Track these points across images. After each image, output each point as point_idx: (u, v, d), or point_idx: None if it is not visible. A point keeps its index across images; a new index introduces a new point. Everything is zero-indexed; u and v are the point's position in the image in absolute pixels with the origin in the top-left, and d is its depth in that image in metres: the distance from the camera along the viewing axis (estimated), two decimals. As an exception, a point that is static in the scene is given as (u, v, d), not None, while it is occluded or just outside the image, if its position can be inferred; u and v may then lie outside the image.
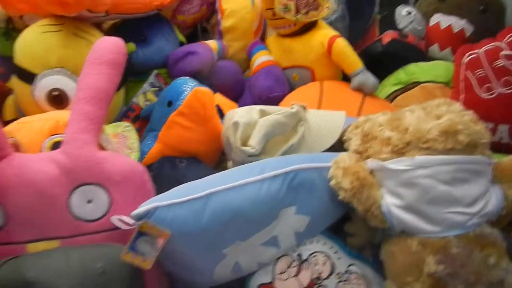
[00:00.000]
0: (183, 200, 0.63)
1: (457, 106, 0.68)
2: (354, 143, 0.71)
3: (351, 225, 0.76)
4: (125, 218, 0.63)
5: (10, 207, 0.62)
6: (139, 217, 0.62)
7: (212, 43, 1.10)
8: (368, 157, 0.68)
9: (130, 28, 1.04)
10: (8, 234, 0.63)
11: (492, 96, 0.87)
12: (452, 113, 0.65)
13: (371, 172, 0.67)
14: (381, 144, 0.66)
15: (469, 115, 0.66)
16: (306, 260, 0.70)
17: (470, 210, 0.61)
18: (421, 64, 1.05)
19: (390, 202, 0.64)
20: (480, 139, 0.63)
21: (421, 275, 0.61)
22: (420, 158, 0.62)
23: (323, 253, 0.71)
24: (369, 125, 0.70)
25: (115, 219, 0.64)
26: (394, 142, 0.64)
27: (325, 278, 0.69)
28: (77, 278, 0.56)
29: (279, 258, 0.70)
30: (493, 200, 0.63)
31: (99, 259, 0.59)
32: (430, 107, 0.68)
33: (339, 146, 0.77)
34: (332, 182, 0.67)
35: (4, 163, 0.64)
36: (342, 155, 0.70)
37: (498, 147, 0.85)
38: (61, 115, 0.78)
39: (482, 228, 0.62)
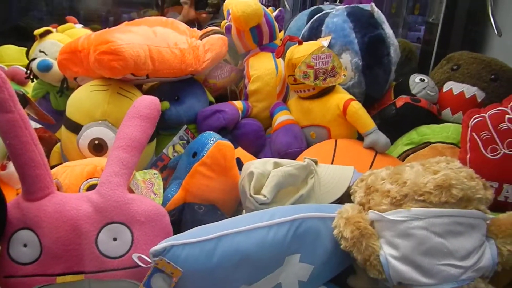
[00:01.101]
0: (196, 240, 0.69)
1: (456, 163, 0.73)
2: (358, 195, 0.76)
3: (354, 279, 0.78)
4: (144, 257, 0.70)
5: (47, 241, 0.70)
6: (156, 254, 0.68)
7: (238, 103, 1.22)
8: (370, 209, 0.72)
9: (166, 89, 1.18)
10: (41, 266, 0.70)
11: (497, 156, 0.90)
12: (449, 170, 0.69)
13: (372, 223, 0.71)
14: (382, 196, 0.71)
15: (466, 172, 0.70)
16: (309, 310, 0.72)
17: (463, 263, 0.63)
18: (433, 126, 1.10)
19: (387, 253, 0.67)
20: (474, 194, 0.66)
21: None
22: (416, 209, 0.66)
23: (326, 304, 0.73)
24: (372, 178, 0.75)
25: (135, 257, 0.70)
26: (393, 194, 0.69)
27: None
28: (97, 307, 0.61)
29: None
30: (487, 255, 0.65)
31: (118, 292, 0.65)
32: (429, 163, 0.73)
33: (347, 199, 0.82)
34: (335, 231, 0.71)
35: (47, 200, 0.73)
36: (346, 206, 0.74)
37: (504, 206, 0.87)
38: (99, 161, 0.88)
39: (476, 283, 0.64)
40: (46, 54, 1.24)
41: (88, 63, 0.98)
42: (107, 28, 1.05)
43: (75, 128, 0.98)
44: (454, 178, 0.66)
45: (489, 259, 0.65)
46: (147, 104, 0.84)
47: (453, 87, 1.18)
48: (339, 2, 2.44)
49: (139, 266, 0.71)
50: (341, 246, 0.70)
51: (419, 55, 1.72)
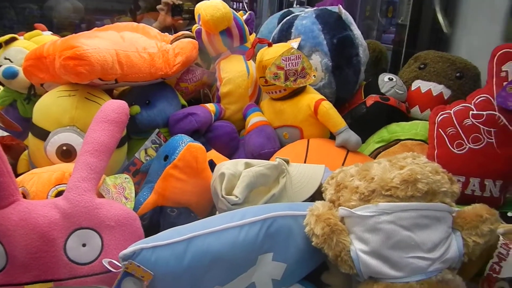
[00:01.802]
0: (166, 242, 0.68)
1: (422, 158, 0.75)
2: (329, 192, 0.77)
3: (328, 276, 0.79)
4: (115, 262, 0.69)
5: (12, 250, 0.68)
6: (125, 258, 0.67)
7: (211, 106, 1.22)
8: (340, 205, 0.73)
9: (136, 93, 1.17)
10: (8, 275, 0.68)
11: (463, 151, 0.93)
12: (415, 165, 0.71)
13: (342, 219, 0.72)
14: (351, 192, 0.72)
15: (431, 166, 0.71)
16: (283, 307, 0.73)
17: (430, 255, 0.65)
18: (402, 124, 1.13)
19: (358, 248, 0.68)
20: (439, 188, 0.68)
21: None
22: (383, 204, 0.67)
23: (300, 301, 0.74)
24: (342, 175, 0.77)
25: (105, 262, 0.69)
26: (361, 190, 0.70)
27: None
28: (64, 314, 0.60)
29: (258, 305, 0.73)
30: (453, 247, 0.67)
31: (86, 299, 0.63)
32: (396, 159, 0.75)
33: (319, 197, 0.83)
34: (306, 229, 0.72)
35: (11, 208, 0.71)
36: (316, 203, 0.75)
37: (471, 200, 0.89)
38: (67, 167, 0.87)
39: (444, 274, 0.65)
40: (11, 62, 1.21)
41: (54, 69, 0.96)
42: (73, 34, 1.03)
43: (42, 134, 0.96)
44: (420, 173, 0.68)
45: (456, 251, 0.67)
46: (115, 108, 0.84)
47: (421, 85, 1.21)
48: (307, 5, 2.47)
49: (110, 271, 0.69)
50: (313, 243, 0.70)
51: (391, 56, 1.77)
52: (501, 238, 0.72)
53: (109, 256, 0.71)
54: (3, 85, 1.25)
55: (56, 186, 0.84)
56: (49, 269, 0.69)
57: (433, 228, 0.66)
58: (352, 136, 1.07)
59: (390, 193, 0.67)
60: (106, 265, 0.68)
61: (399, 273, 0.65)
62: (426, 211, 0.67)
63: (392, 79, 1.22)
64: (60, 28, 2.65)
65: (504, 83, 0.90)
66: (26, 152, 1.08)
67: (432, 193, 0.68)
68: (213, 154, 1.11)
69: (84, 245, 0.72)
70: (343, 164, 1.03)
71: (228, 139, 1.19)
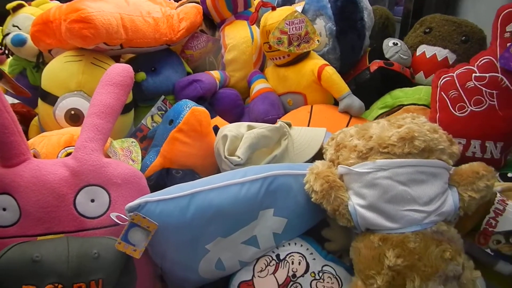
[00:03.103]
0: (170, 197, 0.72)
1: (422, 118, 0.76)
2: (329, 152, 0.79)
3: (328, 231, 0.82)
4: (122, 216, 0.72)
5: (25, 204, 0.71)
6: (131, 210, 0.71)
7: (215, 73, 1.23)
8: (339, 164, 0.75)
9: (142, 61, 1.18)
10: (21, 228, 0.72)
11: (465, 114, 0.93)
12: (413, 124, 0.72)
13: (341, 177, 0.74)
14: (350, 151, 0.74)
15: (430, 125, 0.73)
16: (283, 259, 0.76)
17: (426, 208, 0.67)
18: (405, 89, 1.13)
19: (355, 202, 0.71)
20: (436, 145, 0.70)
21: (382, 268, 0.66)
22: (381, 161, 0.69)
23: (299, 254, 0.77)
24: (342, 136, 0.78)
25: (113, 216, 0.72)
26: (359, 148, 0.72)
27: (300, 276, 0.75)
28: (75, 260, 0.64)
29: (259, 258, 0.77)
30: (449, 201, 0.69)
31: (95, 246, 0.67)
32: (395, 119, 0.76)
33: (320, 159, 0.84)
34: (306, 186, 0.74)
35: (23, 166, 0.74)
36: (316, 162, 0.77)
37: (471, 161, 0.90)
38: (76, 130, 0.90)
39: (438, 226, 0.67)
40: (19, 29, 1.23)
41: (60, 33, 0.97)
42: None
43: (51, 99, 0.99)
44: (417, 131, 0.69)
45: (451, 205, 0.69)
46: (120, 72, 0.85)
47: (426, 50, 1.20)
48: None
49: (118, 224, 0.73)
50: (312, 199, 0.73)
51: (400, 27, 1.74)
52: (498, 194, 0.74)
53: (117, 211, 0.74)
54: (12, 54, 1.28)
55: (66, 148, 0.87)
56: (60, 222, 0.73)
57: (429, 183, 0.68)
58: (355, 101, 1.07)
59: (388, 150, 0.69)
60: (114, 219, 0.72)
61: (395, 225, 0.67)
62: (423, 167, 0.68)
63: (396, 43, 1.21)
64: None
65: (508, 44, 0.89)
66: (36, 118, 1.12)
67: (429, 150, 0.69)
68: (218, 120, 1.13)
69: (92, 200, 0.75)
70: (345, 129, 1.04)
71: (232, 106, 1.21)
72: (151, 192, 0.81)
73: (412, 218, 0.67)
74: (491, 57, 0.92)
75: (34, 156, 0.83)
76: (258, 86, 1.20)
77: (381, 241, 0.67)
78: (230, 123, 1.14)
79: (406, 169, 0.68)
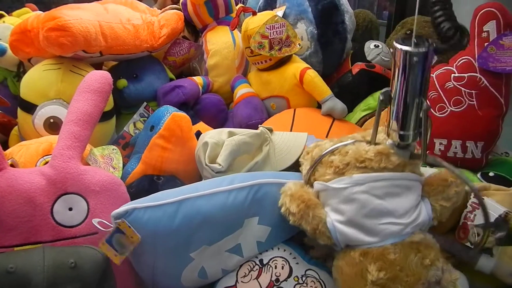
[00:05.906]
0: (158, 203, 0.71)
1: None
2: (305, 167, 0.78)
3: (310, 238, 0.81)
4: (104, 221, 0.71)
5: (1, 215, 0.70)
6: (118, 216, 0.69)
7: (198, 79, 1.23)
8: (315, 180, 0.74)
9: (124, 68, 1.18)
10: (-3, 238, 0.71)
11: (445, 114, 0.93)
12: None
13: (318, 194, 0.73)
14: (326, 167, 0.73)
15: None
16: (266, 264, 0.75)
17: (402, 220, 0.67)
18: (388, 91, 1.13)
19: (334, 218, 0.70)
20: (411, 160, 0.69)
21: (366, 284, 0.65)
22: (357, 176, 0.68)
23: (282, 258, 0.76)
24: (317, 151, 0.76)
25: (95, 221, 0.71)
26: (336, 164, 0.71)
27: (283, 280, 0.74)
28: (51, 270, 0.63)
29: (242, 264, 0.76)
30: (423, 212, 0.69)
31: (72, 255, 0.66)
32: (369, 135, 0.75)
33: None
34: (282, 209, 0.73)
35: (-1, 176, 0.74)
36: (288, 184, 0.75)
37: (453, 162, 0.91)
38: (54, 139, 0.88)
39: (415, 235, 0.68)
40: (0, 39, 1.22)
41: (38, 42, 0.96)
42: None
43: (30, 108, 0.97)
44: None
45: (426, 216, 0.69)
46: (98, 78, 0.85)
47: (407, 52, 1.21)
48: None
49: (97, 233, 0.72)
50: (290, 222, 0.71)
51: (385, 31, 1.75)
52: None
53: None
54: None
55: (44, 157, 0.86)
56: (37, 232, 0.72)
57: (404, 196, 0.68)
58: (337, 104, 1.07)
59: (364, 165, 0.68)
60: (95, 225, 0.71)
61: (374, 239, 0.67)
62: (397, 181, 0.68)
63: (378, 46, 1.22)
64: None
65: (485, 44, 0.90)
66: (16, 127, 1.10)
67: (403, 164, 0.69)
68: (201, 126, 1.12)
69: (70, 209, 0.74)
70: (328, 132, 1.04)
71: (216, 111, 1.20)
72: (132, 200, 0.81)
73: (390, 231, 0.67)
74: (469, 57, 0.93)
75: (12, 166, 0.81)
76: (241, 90, 1.20)
77: (362, 256, 0.66)
78: (214, 128, 1.14)
79: (381, 183, 0.68)
